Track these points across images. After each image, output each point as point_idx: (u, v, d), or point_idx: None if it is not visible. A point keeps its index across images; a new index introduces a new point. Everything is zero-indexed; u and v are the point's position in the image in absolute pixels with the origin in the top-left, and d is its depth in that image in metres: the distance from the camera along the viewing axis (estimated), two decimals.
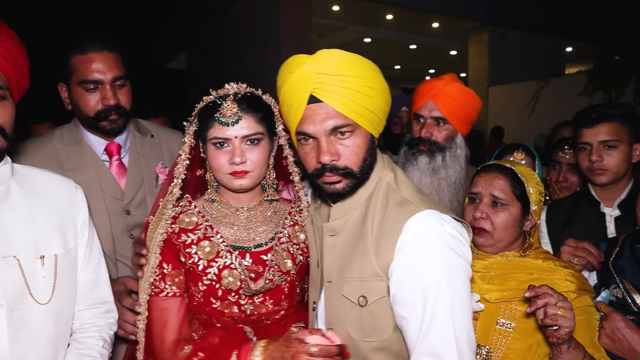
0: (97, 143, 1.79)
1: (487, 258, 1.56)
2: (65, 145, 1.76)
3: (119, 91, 1.72)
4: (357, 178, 1.22)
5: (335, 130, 1.17)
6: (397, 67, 12.95)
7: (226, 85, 1.36)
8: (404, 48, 11.12)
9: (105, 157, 1.81)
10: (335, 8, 8.58)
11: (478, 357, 1.44)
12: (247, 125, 1.31)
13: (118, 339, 1.60)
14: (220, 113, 1.30)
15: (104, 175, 1.77)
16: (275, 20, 7.00)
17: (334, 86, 1.15)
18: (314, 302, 1.39)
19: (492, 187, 1.53)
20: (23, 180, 1.26)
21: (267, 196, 1.46)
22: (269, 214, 1.45)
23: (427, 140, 1.93)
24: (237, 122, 1.30)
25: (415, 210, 1.18)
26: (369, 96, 1.18)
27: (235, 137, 1.30)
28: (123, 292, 1.59)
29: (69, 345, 1.31)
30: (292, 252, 1.42)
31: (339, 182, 1.22)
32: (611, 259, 1.63)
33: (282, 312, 1.42)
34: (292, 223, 1.47)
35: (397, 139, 3.10)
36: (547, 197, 2.40)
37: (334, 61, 1.16)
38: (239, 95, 1.33)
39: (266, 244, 1.40)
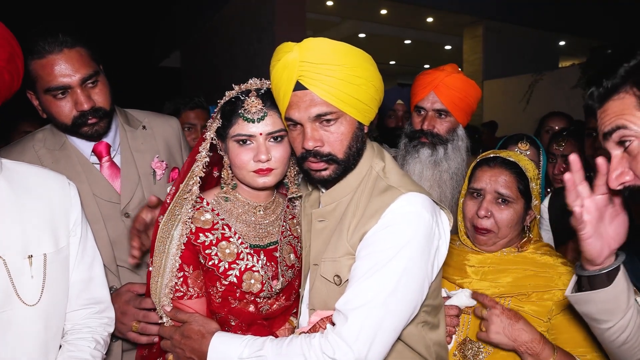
0: (83, 145, 1.63)
1: (483, 253, 1.54)
2: (48, 150, 1.59)
3: (92, 91, 1.52)
4: (342, 164, 1.23)
5: (319, 117, 1.18)
6: (392, 62, 12.92)
7: (250, 80, 1.33)
8: (399, 43, 11.11)
9: (94, 158, 1.64)
10: (330, 3, 8.55)
11: (469, 352, 1.42)
12: (272, 122, 1.28)
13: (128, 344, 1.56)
14: (245, 109, 1.27)
15: (96, 179, 1.61)
16: (269, 17, 6.97)
17: (318, 74, 1.15)
18: (300, 287, 1.41)
19: (497, 183, 1.47)
20: (12, 176, 1.21)
21: (291, 193, 1.44)
22: (279, 210, 1.44)
23: (429, 133, 1.90)
24: (262, 118, 1.27)
25: (397, 194, 1.18)
26: (356, 84, 1.17)
27: (260, 134, 1.28)
28: (134, 297, 1.48)
29: (60, 347, 1.28)
30: (293, 245, 1.43)
31: (325, 169, 1.22)
32: None
33: (289, 305, 1.44)
34: (291, 216, 1.47)
35: (393, 132, 3.08)
36: (548, 189, 2.42)
37: (318, 50, 1.15)
38: (262, 91, 1.30)
39: (277, 242, 1.39)
